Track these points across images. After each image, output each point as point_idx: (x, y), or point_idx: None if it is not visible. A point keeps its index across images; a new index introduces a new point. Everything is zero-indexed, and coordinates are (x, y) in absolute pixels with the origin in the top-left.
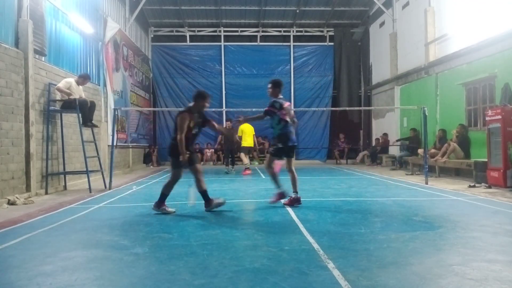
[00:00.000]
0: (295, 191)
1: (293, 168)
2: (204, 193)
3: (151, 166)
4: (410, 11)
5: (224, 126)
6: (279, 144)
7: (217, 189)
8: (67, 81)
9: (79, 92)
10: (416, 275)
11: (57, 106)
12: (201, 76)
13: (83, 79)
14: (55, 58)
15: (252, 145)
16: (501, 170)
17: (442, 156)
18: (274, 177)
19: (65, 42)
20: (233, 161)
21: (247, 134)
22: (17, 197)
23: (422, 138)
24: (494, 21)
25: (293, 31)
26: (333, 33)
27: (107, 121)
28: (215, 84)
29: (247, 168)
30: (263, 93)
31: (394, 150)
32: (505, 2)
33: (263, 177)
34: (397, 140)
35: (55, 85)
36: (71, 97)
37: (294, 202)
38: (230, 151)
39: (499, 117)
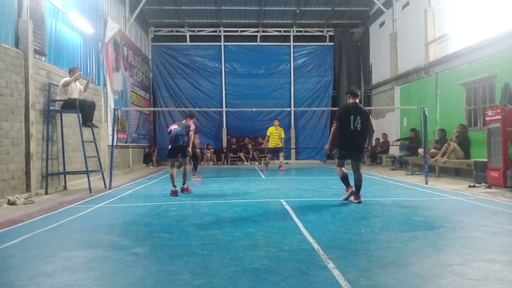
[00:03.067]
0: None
1: None
2: (358, 187)
3: (151, 166)
4: (410, 11)
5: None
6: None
7: (217, 189)
8: (66, 80)
9: (77, 90)
10: (416, 275)
11: (57, 106)
12: (201, 76)
13: (73, 72)
14: (55, 58)
15: (277, 146)
16: (501, 170)
17: (442, 156)
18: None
19: (65, 42)
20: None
21: (273, 136)
22: (17, 197)
23: (422, 138)
24: (494, 21)
25: (293, 31)
26: (333, 33)
27: (107, 121)
28: (215, 84)
29: (266, 165)
30: (263, 93)
31: (394, 150)
32: (505, 2)
33: (263, 177)
34: (397, 140)
35: (55, 85)
36: (72, 96)
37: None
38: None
39: (499, 117)
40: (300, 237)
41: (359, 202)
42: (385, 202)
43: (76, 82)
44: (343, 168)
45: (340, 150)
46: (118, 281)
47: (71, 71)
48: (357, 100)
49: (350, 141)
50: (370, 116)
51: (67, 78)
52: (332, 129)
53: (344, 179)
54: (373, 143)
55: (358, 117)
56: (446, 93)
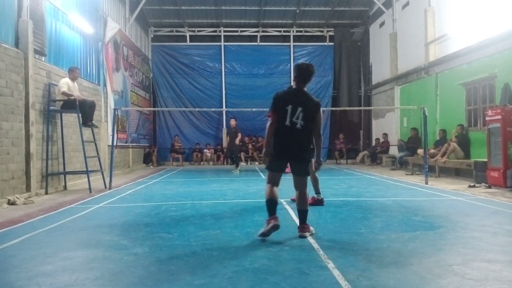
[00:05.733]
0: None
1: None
2: (300, 214)
3: (151, 166)
4: (410, 11)
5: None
6: None
7: (217, 189)
8: (65, 82)
9: (76, 90)
10: (416, 275)
11: (57, 106)
12: (201, 76)
13: (72, 72)
14: (55, 58)
15: None
16: (501, 170)
17: (442, 156)
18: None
19: (65, 42)
20: (237, 162)
21: None
22: (17, 197)
23: (422, 138)
24: (494, 21)
25: (293, 31)
26: (333, 33)
27: (107, 121)
28: (215, 84)
29: None
30: (263, 93)
31: (394, 150)
32: (505, 2)
33: (263, 177)
34: (400, 140)
35: (55, 85)
36: (72, 97)
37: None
38: (231, 151)
39: (499, 117)
40: None
41: (303, 237)
42: (385, 202)
43: (75, 82)
44: (274, 188)
45: (272, 158)
46: (118, 281)
47: (71, 71)
48: (305, 87)
49: (283, 143)
50: (321, 111)
51: (66, 89)
52: (267, 125)
53: (269, 203)
54: (373, 143)
55: (300, 108)
56: (446, 93)
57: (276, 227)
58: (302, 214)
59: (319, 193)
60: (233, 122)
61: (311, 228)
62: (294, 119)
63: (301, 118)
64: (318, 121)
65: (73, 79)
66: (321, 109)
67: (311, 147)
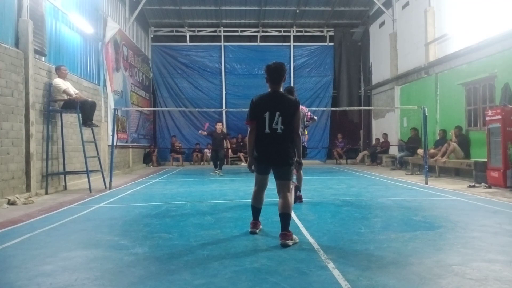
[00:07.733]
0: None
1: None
2: (281, 217)
3: (151, 166)
4: (410, 11)
5: (215, 128)
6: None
7: (217, 189)
8: (60, 81)
9: (71, 87)
10: (416, 275)
11: (57, 106)
12: (201, 76)
13: (58, 71)
14: (55, 58)
15: None
16: (501, 170)
17: (442, 156)
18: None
19: (65, 42)
20: (221, 164)
21: None
22: (17, 197)
23: (422, 138)
24: (494, 21)
25: (293, 31)
26: (333, 33)
27: (107, 121)
28: (215, 84)
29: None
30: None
31: (394, 150)
32: (505, 2)
33: None
34: (400, 140)
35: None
36: (71, 97)
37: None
38: (217, 155)
39: (499, 117)
40: (300, 237)
41: (285, 246)
42: (385, 202)
43: (65, 79)
44: (260, 193)
45: (255, 162)
46: (118, 281)
47: (58, 70)
48: (281, 87)
49: (264, 150)
50: (301, 111)
51: (60, 84)
52: (248, 135)
53: (252, 209)
54: (373, 142)
55: (278, 113)
56: (446, 93)
57: (252, 233)
58: (285, 219)
59: (299, 190)
60: (220, 126)
61: (295, 236)
62: (273, 125)
63: (280, 123)
64: (296, 120)
65: (63, 77)
66: (307, 107)
67: (292, 149)
